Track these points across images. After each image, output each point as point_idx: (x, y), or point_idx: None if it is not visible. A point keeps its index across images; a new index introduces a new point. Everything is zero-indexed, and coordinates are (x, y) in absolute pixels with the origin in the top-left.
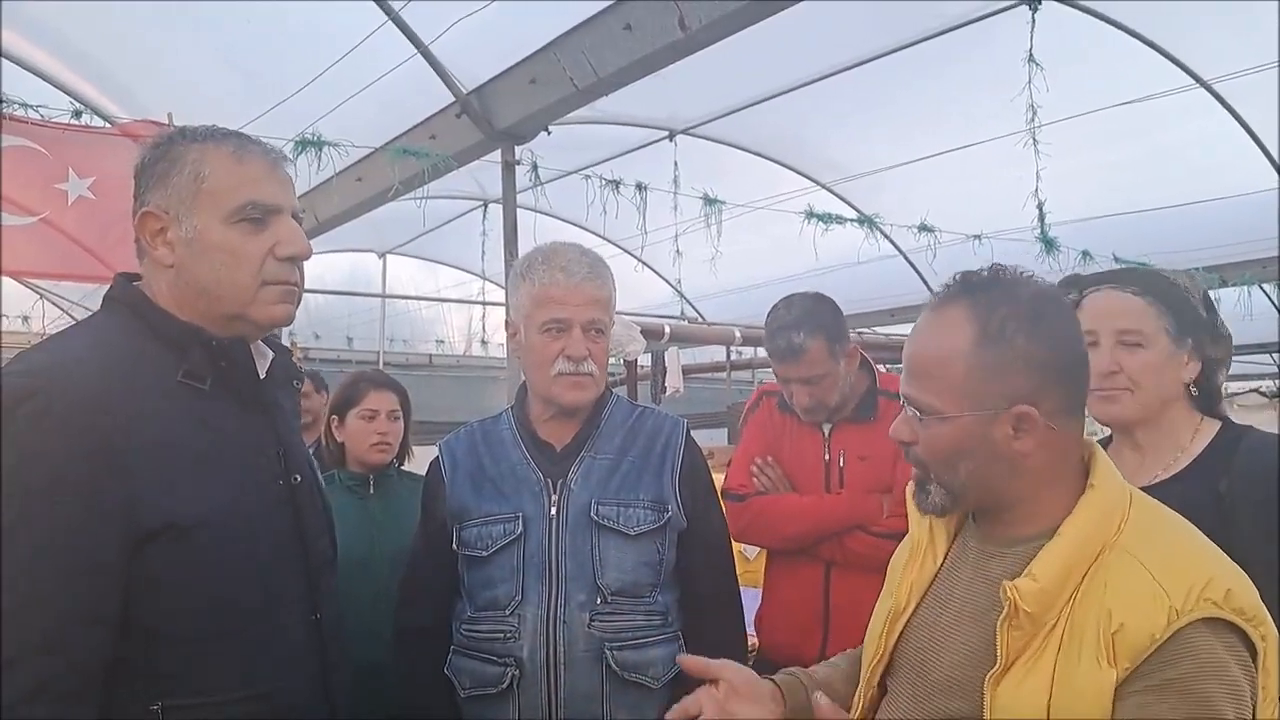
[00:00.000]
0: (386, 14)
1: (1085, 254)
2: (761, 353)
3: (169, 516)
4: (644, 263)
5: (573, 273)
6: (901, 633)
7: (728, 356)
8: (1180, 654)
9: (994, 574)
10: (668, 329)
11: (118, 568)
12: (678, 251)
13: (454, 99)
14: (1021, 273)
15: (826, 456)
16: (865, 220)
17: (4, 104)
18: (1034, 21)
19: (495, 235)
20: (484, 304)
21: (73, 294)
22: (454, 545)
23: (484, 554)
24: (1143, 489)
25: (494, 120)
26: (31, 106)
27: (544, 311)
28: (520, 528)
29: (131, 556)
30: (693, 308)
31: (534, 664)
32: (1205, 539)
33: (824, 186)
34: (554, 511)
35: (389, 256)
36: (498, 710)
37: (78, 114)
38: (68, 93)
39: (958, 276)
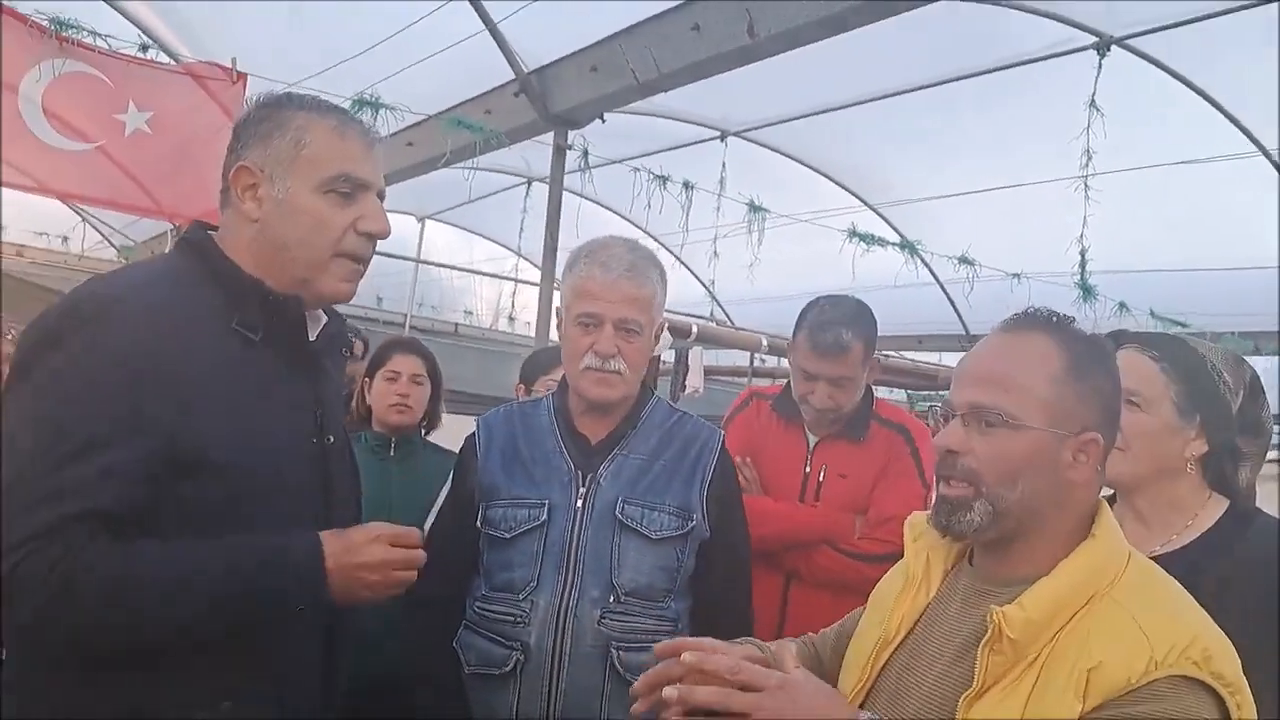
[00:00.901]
0: None
1: (1122, 305)
2: (784, 363)
3: (203, 453)
4: (681, 261)
5: (611, 269)
6: (886, 662)
7: (750, 362)
8: (1149, 697)
9: (982, 610)
10: (695, 328)
11: (149, 488)
12: (715, 253)
13: (514, 77)
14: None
15: (807, 469)
16: (907, 245)
17: (73, 29)
18: (1100, 67)
19: (535, 213)
20: (516, 281)
21: (115, 221)
22: (478, 522)
23: (506, 536)
24: None
25: (550, 103)
26: (100, 35)
27: (579, 304)
28: (545, 515)
29: (165, 486)
30: (723, 310)
31: (540, 651)
32: (1197, 605)
33: (870, 207)
34: (580, 504)
35: (428, 221)
36: (498, 692)
37: (144, 49)
38: (137, 25)
39: (1032, 309)
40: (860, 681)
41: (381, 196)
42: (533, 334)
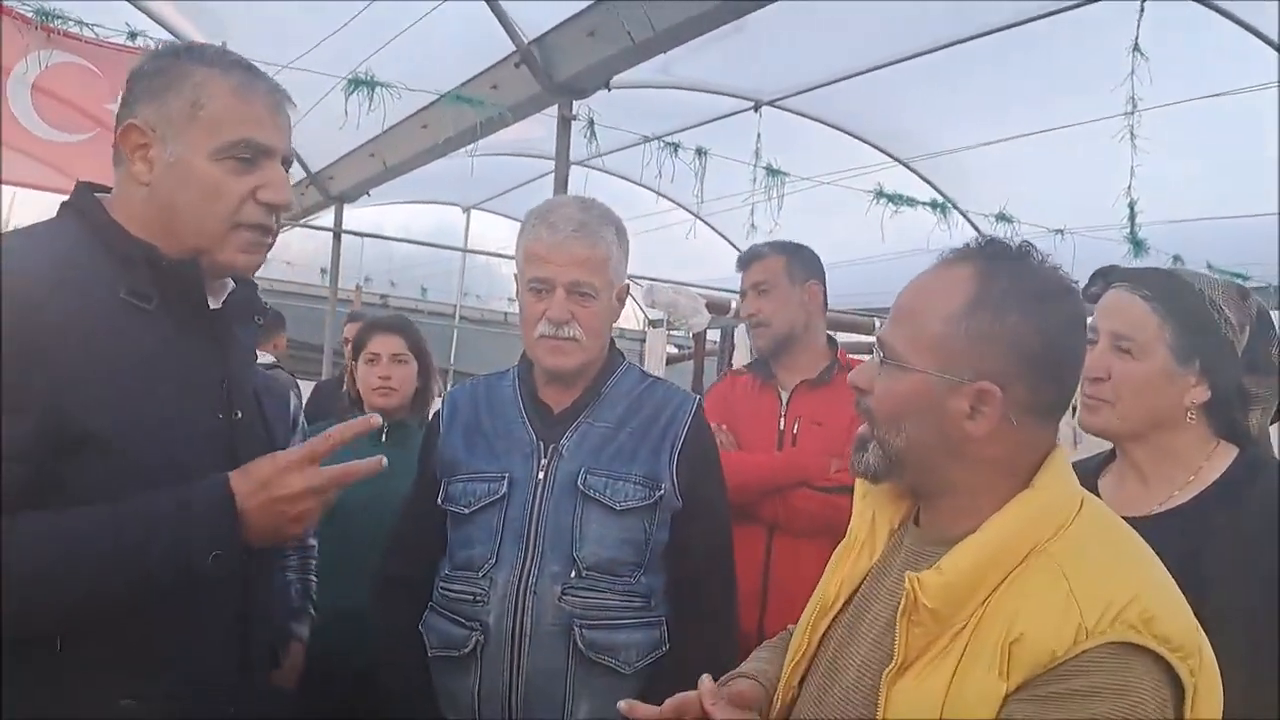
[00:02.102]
0: None
1: (1177, 259)
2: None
3: (90, 428)
4: (722, 235)
5: (558, 229)
6: (825, 631)
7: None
8: (1077, 670)
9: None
10: (734, 304)
11: (37, 467)
12: (753, 226)
13: (515, 48)
14: (1047, 259)
15: (781, 425)
16: (940, 205)
17: (60, 20)
18: (1142, 10)
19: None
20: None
21: None
22: (439, 500)
23: (465, 511)
24: (1141, 518)
25: (553, 73)
26: (87, 25)
27: (530, 269)
28: (505, 488)
29: (50, 466)
30: None
31: (499, 631)
32: (1156, 562)
33: (901, 162)
34: (541, 476)
35: (473, 211)
36: (459, 675)
37: (133, 36)
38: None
39: (980, 240)
40: (799, 651)
41: (287, 164)
42: None
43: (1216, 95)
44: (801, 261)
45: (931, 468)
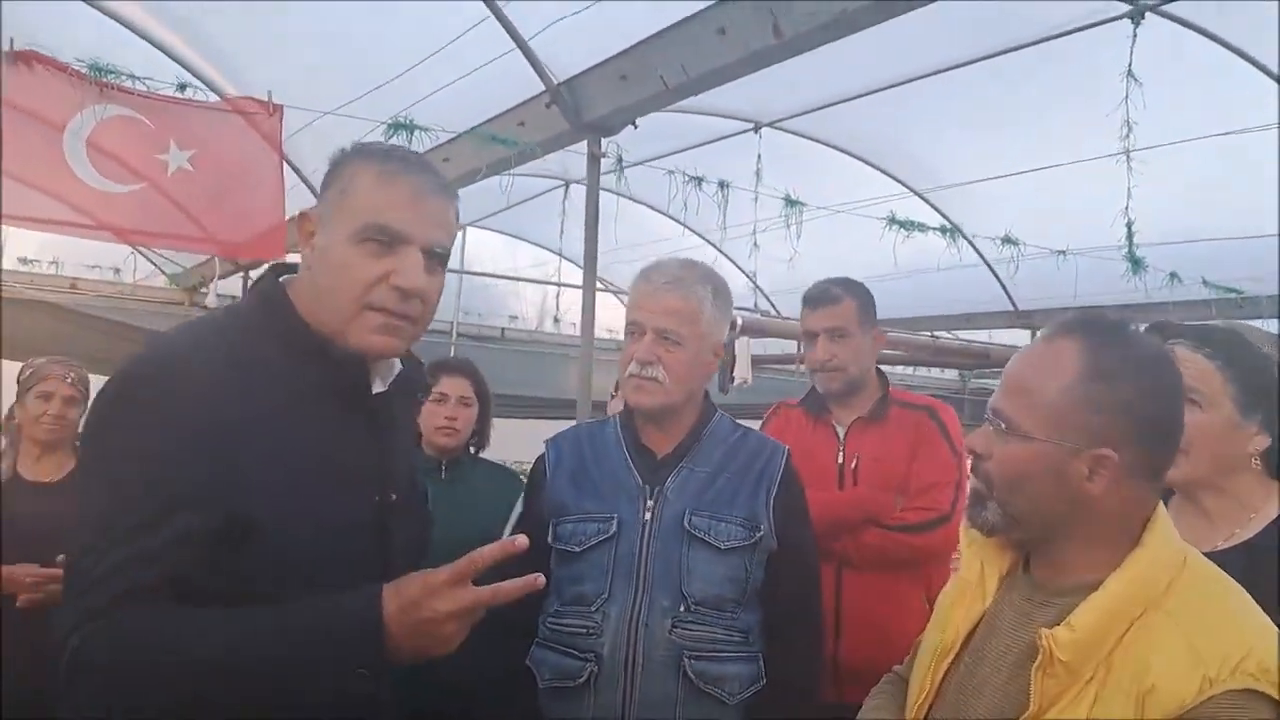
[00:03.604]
0: (493, 13)
1: (1173, 275)
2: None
3: (253, 517)
4: (724, 254)
5: (653, 280)
6: (946, 672)
7: (799, 349)
8: (1206, 716)
9: (1038, 622)
10: (740, 319)
11: (206, 553)
12: (755, 245)
13: (545, 89)
14: (1142, 329)
15: (840, 459)
16: (949, 230)
17: (112, 74)
18: (1135, 36)
19: (575, 215)
20: (559, 285)
21: (164, 249)
22: (549, 539)
23: (576, 550)
24: (1208, 553)
25: (582, 112)
26: (138, 78)
27: (628, 315)
28: (614, 528)
29: (216, 558)
30: (767, 300)
31: (613, 662)
32: (1257, 610)
33: (916, 193)
34: (648, 517)
35: (469, 229)
36: (574, 705)
37: (182, 88)
38: (174, 59)
39: (1081, 313)
40: (922, 693)
41: (434, 253)
42: (579, 334)
43: (1221, 134)
44: (870, 305)
45: (1049, 525)
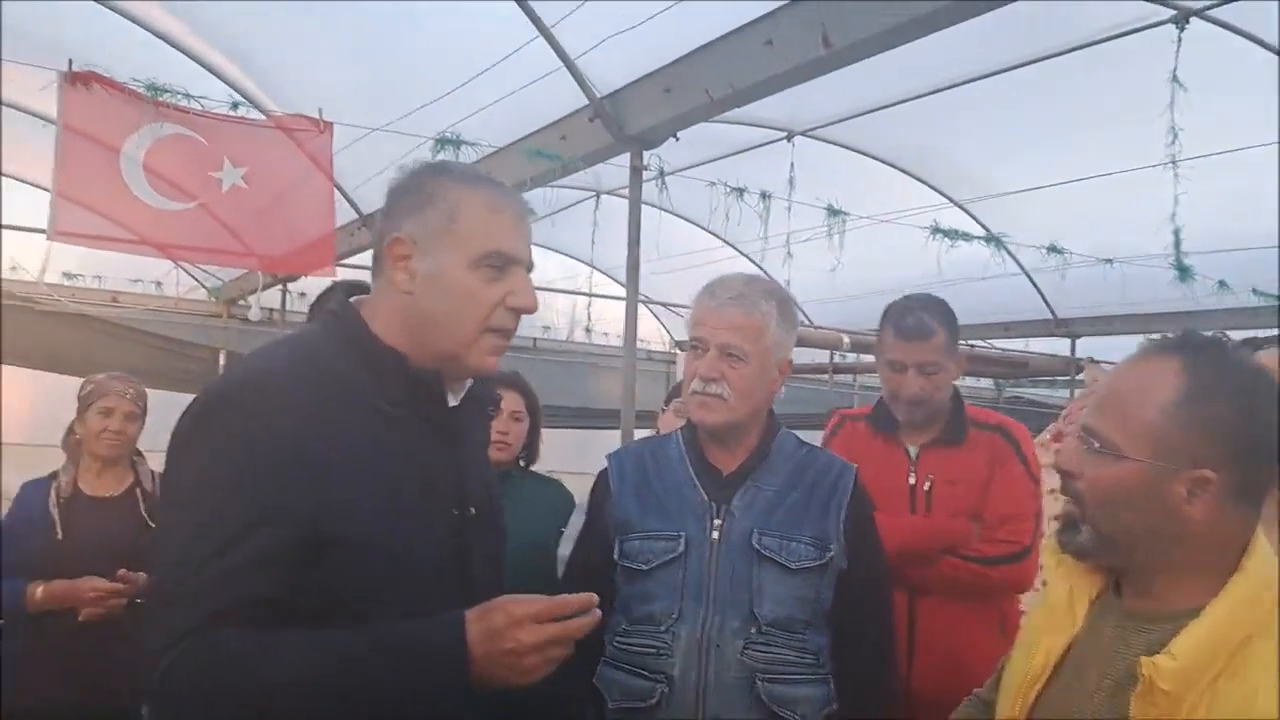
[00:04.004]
0: (540, 31)
1: (1222, 284)
2: (866, 358)
3: (338, 534)
4: (760, 266)
5: (717, 296)
6: (1037, 697)
7: (830, 359)
8: None
9: (1134, 648)
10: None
11: (291, 571)
12: (789, 254)
13: (588, 103)
14: (1240, 347)
15: (912, 480)
16: (993, 239)
17: (167, 93)
18: (1180, 41)
19: (606, 225)
20: (590, 295)
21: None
22: (615, 556)
23: (644, 568)
24: None
25: (625, 125)
26: (193, 97)
27: (690, 331)
28: (682, 547)
29: (303, 572)
30: (800, 310)
31: (684, 683)
32: None
33: (956, 204)
34: (715, 535)
35: None
36: None
37: (235, 106)
38: (226, 82)
39: (1181, 331)
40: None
41: (529, 270)
42: (609, 344)
43: (1271, 143)
44: (957, 330)
45: (1145, 549)
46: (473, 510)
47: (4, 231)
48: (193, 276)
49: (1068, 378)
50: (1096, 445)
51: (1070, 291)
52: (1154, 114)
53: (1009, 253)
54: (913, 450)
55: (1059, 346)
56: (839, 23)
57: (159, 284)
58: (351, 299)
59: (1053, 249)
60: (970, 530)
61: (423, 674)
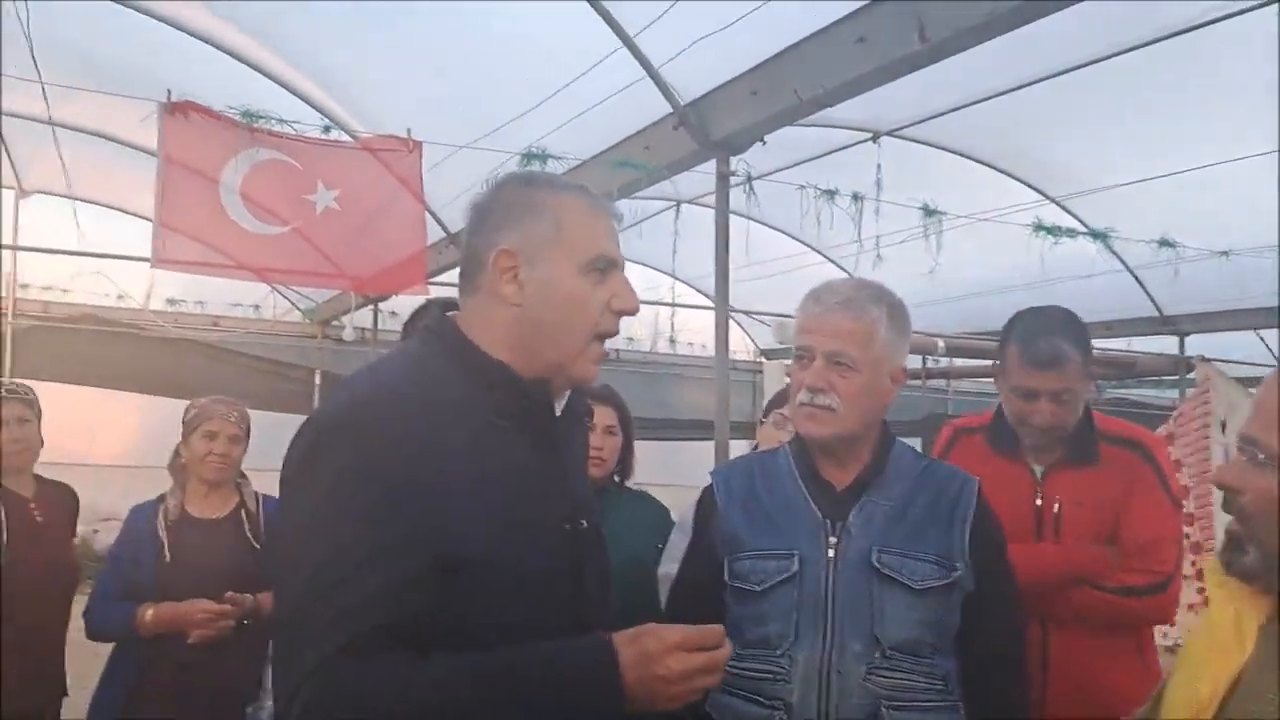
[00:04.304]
0: (623, 41)
1: None
2: (960, 362)
3: (467, 553)
4: (845, 272)
5: (823, 302)
6: None
7: (924, 363)
8: None
9: None
10: (941, 343)
11: (427, 593)
12: (879, 256)
13: (672, 110)
14: None
15: (1039, 501)
16: (1099, 235)
17: (262, 119)
18: None
19: (687, 235)
20: (674, 305)
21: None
22: (725, 576)
23: (757, 589)
24: None
25: (710, 131)
26: (286, 122)
27: (796, 340)
28: (796, 566)
29: (434, 594)
30: None
31: (804, 710)
32: None
33: (1054, 200)
34: (832, 553)
35: None
36: None
37: (326, 129)
38: (315, 107)
39: None
40: None
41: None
42: (694, 354)
43: None
44: (1089, 352)
45: None
46: (584, 524)
47: (100, 260)
48: (288, 299)
49: (1176, 377)
50: (1261, 456)
51: (1188, 289)
52: (1270, 97)
53: (1109, 248)
54: (1038, 470)
55: (1163, 345)
56: (935, 15)
57: (257, 307)
58: (447, 316)
59: (1164, 243)
60: (1106, 557)
61: (578, 699)
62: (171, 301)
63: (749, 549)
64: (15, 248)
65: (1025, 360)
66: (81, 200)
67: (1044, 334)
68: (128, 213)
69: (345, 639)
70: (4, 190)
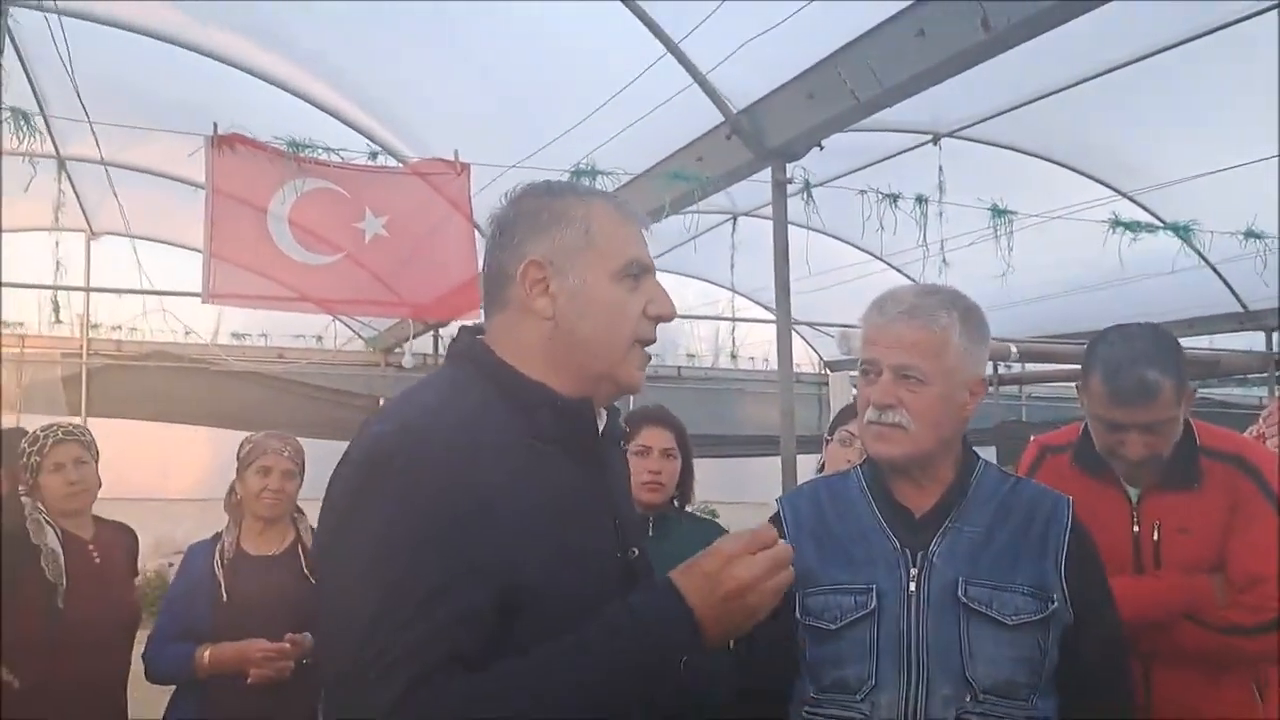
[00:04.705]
0: (667, 47)
1: None
2: (1034, 367)
3: (534, 589)
4: (909, 279)
5: (887, 311)
6: None
7: (995, 370)
8: None
9: None
10: (1013, 348)
11: (490, 622)
12: (945, 261)
13: (724, 119)
14: None
15: (1136, 528)
16: (1180, 230)
17: (309, 149)
18: None
19: (744, 248)
20: (734, 320)
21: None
22: (796, 612)
23: (831, 627)
24: None
25: (765, 139)
26: (333, 150)
27: (862, 353)
28: (874, 601)
29: (498, 626)
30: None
31: None
32: None
33: (1126, 196)
34: (913, 587)
35: None
36: None
37: (373, 155)
38: (364, 134)
39: None
40: None
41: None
42: (756, 368)
43: None
44: (1183, 373)
45: None
46: (634, 552)
47: (146, 297)
48: (350, 328)
49: (1264, 375)
50: None
51: (1264, 281)
52: None
53: (1187, 242)
54: (1134, 493)
55: (1248, 341)
56: (999, 3)
57: (319, 338)
58: (476, 339)
59: (1251, 234)
60: (1212, 590)
61: (659, 649)
62: (236, 335)
63: (822, 583)
64: (88, 289)
65: (1110, 395)
66: (145, 239)
67: (1129, 364)
68: (190, 248)
69: (415, 673)
70: (74, 233)
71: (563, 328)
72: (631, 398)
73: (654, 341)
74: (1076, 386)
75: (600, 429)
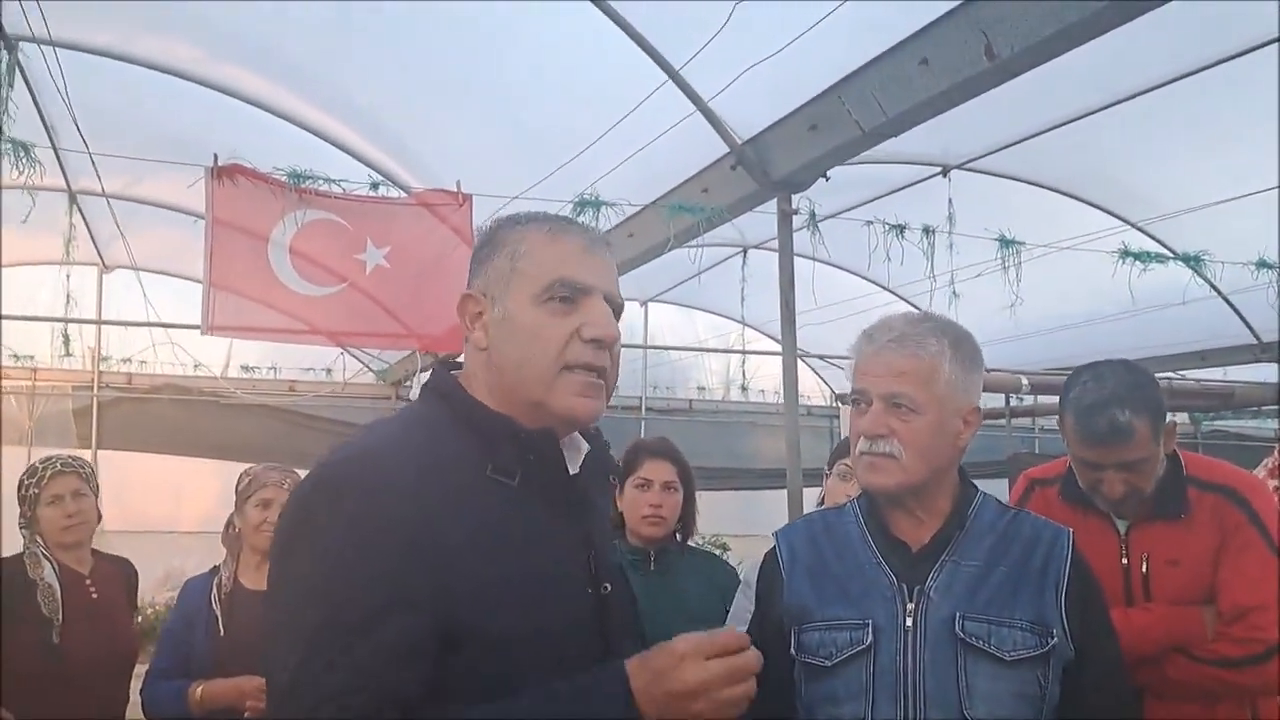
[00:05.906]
0: (668, 74)
1: None
2: (1046, 399)
3: (476, 624)
4: (911, 304)
5: (875, 340)
6: None
7: (1007, 402)
8: None
9: None
10: (1025, 380)
11: (428, 664)
12: (954, 293)
13: (728, 150)
14: None
15: (1125, 560)
16: (1191, 260)
17: (308, 179)
18: None
19: (755, 281)
20: (744, 353)
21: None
22: (792, 649)
23: (827, 664)
24: None
25: (770, 170)
26: (334, 181)
27: (853, 383)
28: (869, 637)
29: (439, 662)
30: None
31: None
32: None
33: (1135, 226)
34: (909, 623)
35: (649, 304)
36: None
37: (375, 186)
38: (367, 164)
39: None
40: None
41: (612, 303)
42: (766, 400)
43: None
44: (1160, 409)
45: None
46: (607, 588)
47: (172, 331)
48: (360, 361)
49: (1277, 407)
50: None
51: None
52: None
53: (1198, 272)
54: (1122, 526)
55: (1262, 374)
56: (1002, 31)
57: (329, 371)
58: (449, 373)
59: (1263, 264)
60: (1203, 622)
61: None
62: (246, 368)
63: (817, 619)
64: (99, 321)
65: (1082, 437)
66: (158, 273)
67: (1101, 406)
68: (196, 280)
69: (348, 712)
70: (85, 267)
71: (494, 358)
72: (643, 428)
73: (597, 368)
74: (1058, 420)
75: (581, 459)
